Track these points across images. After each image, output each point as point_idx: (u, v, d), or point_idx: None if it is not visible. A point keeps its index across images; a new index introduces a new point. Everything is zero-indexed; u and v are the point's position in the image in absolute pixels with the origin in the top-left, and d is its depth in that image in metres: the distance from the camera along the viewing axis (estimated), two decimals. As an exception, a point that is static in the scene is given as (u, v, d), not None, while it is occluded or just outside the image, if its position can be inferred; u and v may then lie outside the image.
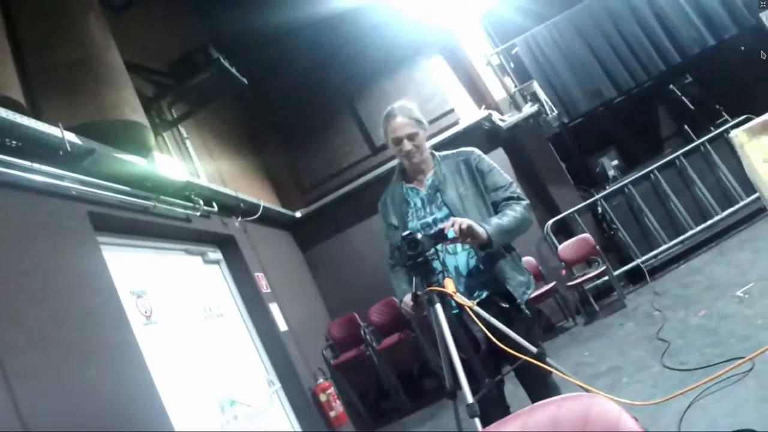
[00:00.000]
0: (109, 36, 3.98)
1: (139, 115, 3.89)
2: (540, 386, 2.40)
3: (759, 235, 5.79)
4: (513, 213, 2.46)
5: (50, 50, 3.52)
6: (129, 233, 4.13)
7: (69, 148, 3.21)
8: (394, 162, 7.13)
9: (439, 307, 2.20)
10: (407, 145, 2.52)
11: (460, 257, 2.48)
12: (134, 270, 4.00)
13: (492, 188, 2.55)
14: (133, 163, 3.88)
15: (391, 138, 2.56)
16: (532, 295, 2.59)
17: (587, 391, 2.04)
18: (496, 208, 2.52)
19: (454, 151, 2.67)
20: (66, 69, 3.52)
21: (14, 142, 2.93)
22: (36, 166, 3.01)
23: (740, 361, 2.53)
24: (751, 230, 6.20)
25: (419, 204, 2.58)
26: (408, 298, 2.49)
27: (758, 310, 3.75)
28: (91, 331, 2.93)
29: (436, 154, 2.66)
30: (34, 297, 2.68)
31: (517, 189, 2.59)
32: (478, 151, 2.66)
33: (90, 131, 3.44)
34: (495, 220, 2.40)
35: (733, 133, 2.04)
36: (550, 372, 2.26)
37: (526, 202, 2.55)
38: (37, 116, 3.16)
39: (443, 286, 2.23)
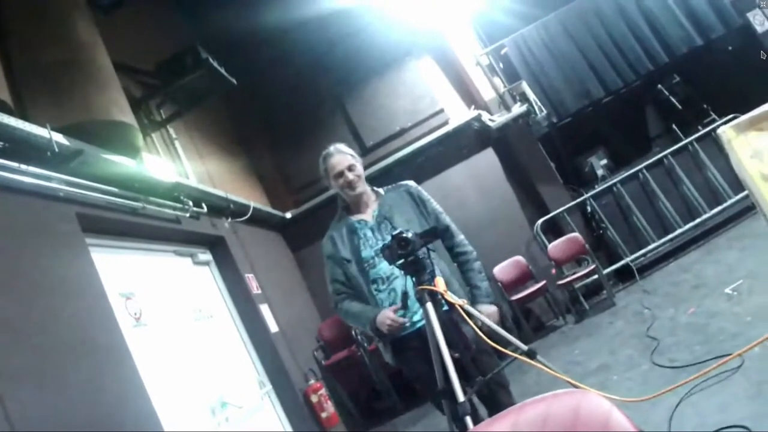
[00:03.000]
0: (97, 36, 3.95)
1: (127, 116, 3.87)
2: (502, 390, 2.64)
3: (747, 233, 5.83)
4: (480, 273, 2.76)
5: (38, 51, 3.50)
6: (118, 235, 4.10)
7: (57, 149, 3.18)
8: (383, 164, 7.25)
9: (430, 306, 2.20)
10: (349, 176, 2.72)
11: (401, 281, 2.59)
12: (123, 272, 3.98)
13: (433, 214, 2.79)
14: (121, 164, 3.85)
15: (333, 174, 2.76)
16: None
17: (578, 388, 2.05)
18: (443, 235, 2.72)
19: (393, 185, 2.91)
20: (53, 69, 3.49)
21: (1, 143, 2.91)
22: (23, 167, 2.98)
23: (729, 357, 2.54)
24: (739, 228, 6.24)
25: (369, 234, 2.72)
26: (387, 312, 2.54)
27: (747, 307, 3.78)
28: (79, 333, 2.90)
29: (377, 189, 2.87)
30: (22, 299, 2.66)
31: (447, 217, 2.85)
32: (414, 183, 2.91)
33: (78, 132, 3.41)
34: (485, 288, 2.71)
35: (720, 130, 2.05)
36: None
37: (473, 251, 2.81)
38: (25, 117, 3.14)
39: (434, 285, 2.24)
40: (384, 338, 2.64)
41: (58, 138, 3.21)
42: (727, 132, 2.04)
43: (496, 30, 7.72)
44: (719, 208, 6.66)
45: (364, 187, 2.78)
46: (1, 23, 3.44)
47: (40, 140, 3.11)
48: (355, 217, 2.79)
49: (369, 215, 2.77)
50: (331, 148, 2.81)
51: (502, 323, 2.65)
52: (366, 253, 2.68)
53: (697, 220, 6.69)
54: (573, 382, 2.08)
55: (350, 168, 2.73)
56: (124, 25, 5.21)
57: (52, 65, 3.50)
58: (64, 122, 3.35)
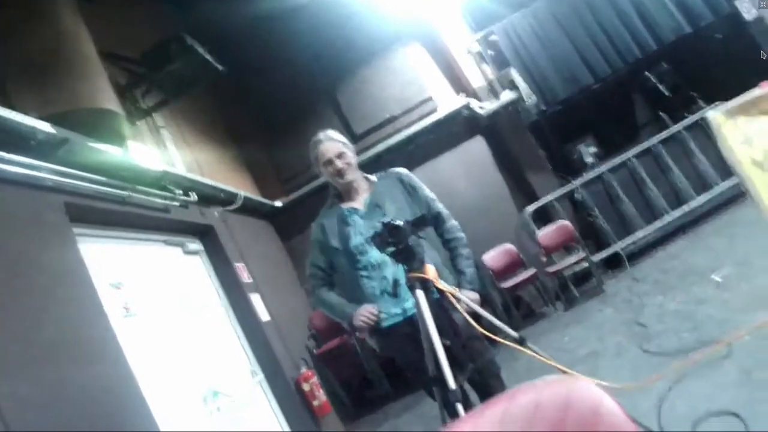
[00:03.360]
0: (81, 24, 3.89)
1: (113, 104, 3.82)
2: (493, 376, 2.67)
3: (735, 220, 5.88)
4: (467, 260, 2.76)
5: (22, 39, 3.44)
6: (106, 224, 4.06)
7: (42, 138, 3.14)
8: (372, 152, 7.22)
9: (420, 293, 2.21)
10: (338, 164, 2.69)
11: (392, 269, 2.61)
12: (112, 262, 3.94)
13: (424, 201, 2.78)
14: (107, 152, 3.80)
15: (322, 162, 2.74)
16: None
17: (568, 374, 2.06)
18: (434, 222, 2.73)
19: (384, 171, 2.89)
20: (38, 58, 3.44)
21: (-15, 132, 2.87)
22: (9, 156, 2.94)
23: (718, 344, 2.57)
24: (727, 216, 6.30)
25: (359, 221, 2.71)
26: (366, 307, 2.58)
27: (735, 294, 3.82)
28: (68, 324, 2.88)
29: (369, 176, 2.86)
30: (9, 290, 2.63)
31: (439, 203, 2.84)
32: (406, 170, 2.90)
33: (63, 121, 3.36)
34: (470, 274, 2.72)
35: (710, 115, 2.05)
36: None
37: (462, 237, 2.81)
38: (10, 106, 3.08)
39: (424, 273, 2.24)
40: (361, 331, 2.66)
41: (44, 126, 3.17)
42: (717, 117, 2.04)
43: (486, 17, 7.69)
44: (708, 195, 6.70)
45: (354, 175, 2.75)
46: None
47: (26, 129, 3.06)
48: (345, 205, 2.77)
49: (360, 203, 2.76)
50: (321, 135, 2.77)
51: (492, 311, 2.68)
52: (356, 240, 2.67)
53: (686, 208, 6.73)
54: (563, 368, 2.10)
55: (340, 155, 2.70)
56: (109, 13, 5.14)
57: (37, 54, 3.44)
58: (50, 111, 3.31)
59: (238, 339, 5.36)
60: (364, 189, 2.80)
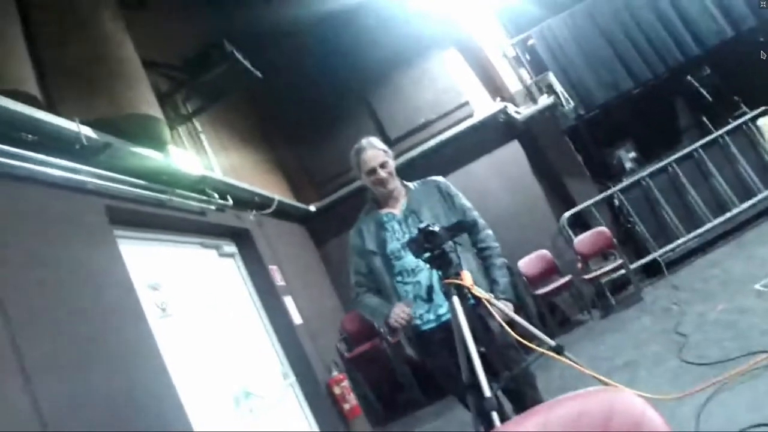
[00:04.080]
0: (124, 32, 3.99)
1: (154, 110, 3.90)
2: (528, 385, 2.66)
3: (779, 228, 5.72)
4: (501, 269, 2.77)
5: (66, 46, 3.53)
6: (145, 227, 4.14)
7: (85, 142, 3.22)
8: (407, 156, 7.22)
9: (456, 299, 2.19)
10: (381, 173, 2.74)
11: (426, 273, 2.59)
12: (150, 263, 4.02)
13: (461, 209, 2.81)
14: (148, 157, 3.89)
15: (365, 170, 2.77)
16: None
17: (607, 385, 2.02)
18: (470, 229, 2.74)
19: (422, 180, 2.94)
20: (81, 65, 3.53)
21: (30, 136, 2.95)
22: (52, 160, 3.02)
23: (761, 354, 2.49)
24: (771, 223, 6.12)
25: (397, 227, 2.75)
26: (400, 305, 2.58)
27: (778, 303, 3.71)
28: (107, 323, 2.94)
29: (407, 183, 2.90)
30: (52, 290, 2.69)
31: (475, 212, 2.88)
32: (443, 179, 2.94)
33: (106, 126, 3.45)
34: (503, 284, 2.72)
35: (760, 122, 2.00)
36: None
37: (497, 246, 2.83)
38: (54, 111, 3.17)
39: (461, 279, 2.22)
40: (397, 332, 2.66)
41: (87, 131, 3.25)
42: (767, 124, 1.99)
43: (523, 20, 7.61)
44: (750, 202, 6.52)
45: (395, 184, 2.80)
46: (29, 19, 3.48)
47: (69, 133, 3.15)
48: (383, 211, 2.81)
49: (398, 209, 2.79)
50: (364, 142, 2.80)
51: (527, 318, 2.66)
52: (392, 245, 2.70)
53: (728, 215, 6.56)
54: (603, 379, 2.06)
55: (383, 165, 2.75)
56: (150, 21, 5.26)
57: (80, 60, 3.53)
58: (93, 116, 3.39)
59: (271, 341, 5.41)
60: (402, 195, 2.84)
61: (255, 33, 6.76)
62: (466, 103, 7.62)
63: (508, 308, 2.53)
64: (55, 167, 3.06)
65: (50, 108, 3.21)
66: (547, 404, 1.05)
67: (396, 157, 7.14)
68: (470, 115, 7.55)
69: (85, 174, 3.30)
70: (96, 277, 3.06)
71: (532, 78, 7.58)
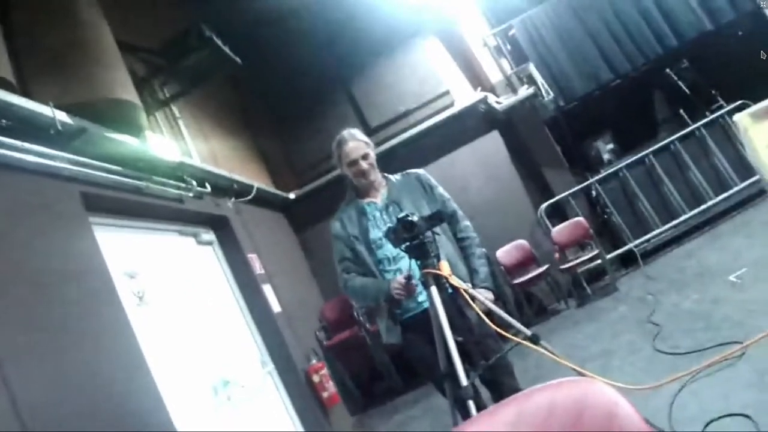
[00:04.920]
0: (100, 15, 3.90)
1: (131, 95, 3.84)
2: (506, 374, 2.69)
3: (752, 220, 5.81)
4: (480, 259, 2.80)
5: (41, 30, 3.45)
6: (121, 214, 4.09)
7: (60, 128, 3.16)
8: (387, 145, 7.21)
9: (434, 289, 2.20)
10: (363, 165, 2.76)
11: (407, 262, 2.54)
12: (127, 251, 3.97)
13: (440, 200, 2.84)
14: (125, 142, 3.83)
15: (347, 162, 2.78)
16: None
17: (582, 375, 2.05)
18: (448, 219, 2.77)
19: (404, 172, 2.96)
20: (57, 48, 3.45)
21: (4, 121, 2.88)
22: (27, 145, 2.96)
23: (737, 347, 2.53)
24: (745, 215, 6.22)
25: (378, 215, 2.77)
26: (399, 278, 2.56)
27: (751, 295, 3.77)
28: (83, 312, 2.91)
29: (387, 175, 2.93)
30: (26, 278, 2.65)
31: (454, 203, 2.91)
32: (423, 171, 2.97)
33: (81, 111, 3.38)
34: (484, 273, 2.75)
35: (736, 117, 2.04)
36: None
37: (476, 237, 2.86)
38: (28, 96, 3.11)
39: (438, 269, 2.23)
40: (395, 312, 2.65)
41: (62, 116, 3.19)
42: (743, 120, 2.03)
43: (504, 11, 7.62)
44: (725, 194, 6.63)
45: (376, 175, 2.82)
46: (4, 4, 3.40)
47: (43, 118, 3.09)
48: (365, 200, 2.83)
49: (378, 198, 2.82)
50: (346, 134, 2.80)
51: (504, 308, 2.69)
52: (374, 233, 2.72)
53: (703, 207, 6.66)
54: (578, 369, 2.08)
55: (364, 156, 2.76)
56: (128, 3, 5.16)
57: (56, 44, 3.46)
58: (68, 101, 3.32)
59: (250, 329, 5.39)
60: (382, 186, 2.86)
61: (236, 20, 6.68)
62: (447, 93, 7.62)
63: (488, 298, 2.55)
64: (30, 153, 2.99)
65: (24, 93, 3.15)
66: (521, 394, 1.06)
67: (377, 145, 7.11)
68: (451, 105, 7.56)
69: (60, 160, 3.24)
70: (71, 265, 3.02)
71: (512, 68, 7.61)
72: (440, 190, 2.89)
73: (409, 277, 2.49)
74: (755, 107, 2.02)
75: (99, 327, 2.97)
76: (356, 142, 2.77)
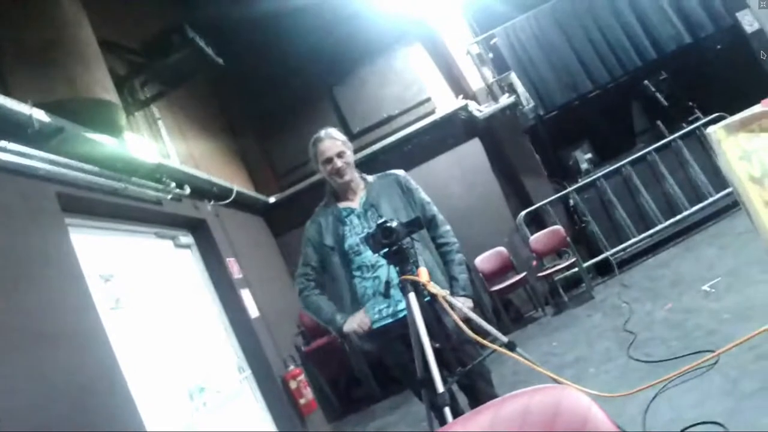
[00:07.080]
0: (81, 13, 3.86)
1: (110, 94, 3.79)
2: (483, 380, 2.66)
3: (726, 231, 5.90)
4: (460, 265, 2.77)
5: (21, 27, 3.40)
6: (98, 215, 4.04)
7: (37, 126, 3.12)
8: (369, 151, 7.22)
9: (412, 295, 2.21)
10: (338, 163, 2.69)
11: (385, 269, 2.52)
12: (103, 253, 3.92)
13: (419, 203, 2.79)
14: (103, 143, 3.78)
15: (321, 160, 2.73)
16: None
17: (557, 382, 2.06)
18: (428, 224, 2.74)
19: (382, 173, 2.90)
20: (36, 46, 3.40)
21: (-21, 118, 2.84)
22: (2, 143, 2.91)
23: (710, 355, 2.57)
24: (719, 226, 6.32)
25: (356, 221, 2.73)
26: (360, 317, 2.59)
27: (724, 304, 3.83)
28: (56, 315, 2.86)
29: (366, 176, 2.87)
30: (-2, 279, 2.61)
31: (434, 207, 2.87)
32: (403, 172, 2.91)
33: (60, 109, 3.33)
34: (463, 280, 2.73)
35: (710, 130, 2.06)
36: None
37: (455, 242, 2.82)
38: (6, 94, 3.06)
39: (417, 275, 2.24)
40: (349, 340, 2.67)
41: (39, 115, 3.14)
42: (717, 132, 2.06)
43: (488, 19, 7.68)
44: (700, 205, 6.73)
45: (352, 175, 2.76)
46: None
47: (20, 116, 3.04)
48: (342, 204, 2.78)
49: (356, 202, 2.77)
50: (322, 133, 2.77)
51: (482, 315, 2.70)
52: (351, 240, 2.68)
53: (678, 217, 6.76)
54: (553, 376, 2.10)
55: (339, 155, 2.70)
56: (110, 2, 5.11)
57: (35, 41, 3.41)
58: (46, 99, 3.27)
59: (227, 334, 5.35)
60: (360, 188, 2.80)
61: (220, 21, 6.63)
62: (429, 99, 7.67)
63: (467, 305, 2.55)
64: (5, 151, 2.95)
65: (2, 90, 3.10)
66: (496, 401, 1.06)
67: (358, 150, 7.22)
68: (432, 112, 7.60)
69: (36, 159, 3.19)
70: (45, 265, 2.97)
71: (494, 77, 7.67)
72: (421, 193, 2.84)
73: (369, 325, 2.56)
74: (729, 120, 2.05)
75: (72, 331, 2.93)
76: (332, 140, 2.73)
